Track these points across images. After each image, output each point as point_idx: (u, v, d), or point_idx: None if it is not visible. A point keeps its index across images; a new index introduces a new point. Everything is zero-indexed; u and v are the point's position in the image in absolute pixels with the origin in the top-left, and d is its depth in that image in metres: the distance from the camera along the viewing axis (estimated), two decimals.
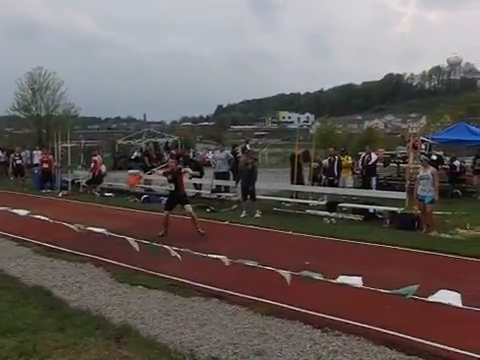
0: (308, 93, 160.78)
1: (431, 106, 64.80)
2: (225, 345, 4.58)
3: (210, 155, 21.63)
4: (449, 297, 4.19)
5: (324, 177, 14.36)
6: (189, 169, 10.81)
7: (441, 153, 18.17)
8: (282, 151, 37.23)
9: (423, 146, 17.17)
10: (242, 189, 12.32)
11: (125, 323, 5.05)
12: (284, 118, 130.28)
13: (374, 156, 15.21)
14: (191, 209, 9.77)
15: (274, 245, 8.96)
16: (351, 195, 13.21)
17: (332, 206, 12.08)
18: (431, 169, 10.13)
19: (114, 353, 4.28)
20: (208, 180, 15.02)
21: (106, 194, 16.56)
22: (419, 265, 7.44)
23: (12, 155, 19.21)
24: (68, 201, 15.28)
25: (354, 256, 8.04)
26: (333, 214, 11.71)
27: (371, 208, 11.52)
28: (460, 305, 4.06)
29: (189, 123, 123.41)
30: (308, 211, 12.34)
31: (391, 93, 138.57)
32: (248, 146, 16.89)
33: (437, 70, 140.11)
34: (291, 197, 13.93)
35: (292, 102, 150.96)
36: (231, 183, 14.38)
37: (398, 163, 18.07)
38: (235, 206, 13.18)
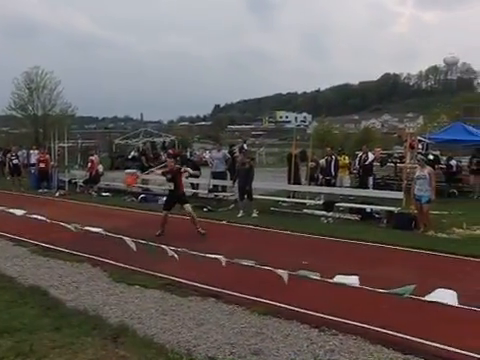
0: (305, 93, 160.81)
1: (428, 106, 64.90)
2: (222, 345, 4.58)
3: (207, 155, 21.62)
4: (446, 296, 4.21)
5: (321, 177, 14.37)
6: (189, 169, 10.78)
7: (438, 153, 18.23)
8: (279, 151, 37.24)
9: (420, 146, 17.17)
10: (239, 189, 12.33)
11: (122, 323, 5.04)
12: (281, 118, 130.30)
13: (371, 156, 15.23)
14: (191, 209, 9.74)
15: (271, 245, 8.96)
16: (348, 195, 13.22)
17: (329, 206, 12.09)
18: (428, 169, 10.15)
19: (111, 353, 4.28)
20: (205, 180, 15.01)
21: (103, 194, 16.54)
22: (416, 265, 7.45)
23: (9, 155, 19.12)
24: (65, 201, 15.24)
25: (351, 256, 8.05)
26: (330, 214, 11.72)
27: (368, 208, 11.54)
28: (457, 304, 4.08)
29: (186, 123, 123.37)
30: (305, 211, 12.35)
31: (388, 93, 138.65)
32: (245, 146, 16.93)
33: (434, 70, 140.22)
34: (288, 197, 13.94)
35: (289, 102, 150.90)
36: (228, 183, 14.40)
37: (395, 163, 18.09)
38: (232, 206, 13.18)
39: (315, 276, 4.61)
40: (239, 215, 11.86)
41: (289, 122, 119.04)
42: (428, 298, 4.18)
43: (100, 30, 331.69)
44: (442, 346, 4.41)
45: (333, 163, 14.11)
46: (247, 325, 5.04)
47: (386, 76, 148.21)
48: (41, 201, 15.02)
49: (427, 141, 17.58)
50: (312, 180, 14.68)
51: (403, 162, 15.69)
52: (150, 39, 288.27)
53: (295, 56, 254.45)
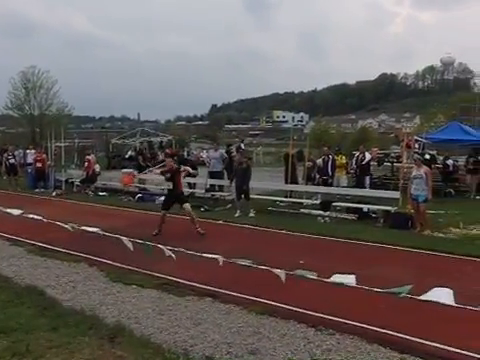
0: (302, 92, 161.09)
1: (424, 106, 65.02)
2: (219, 344, 4.57)
3: (204, 154, 21.62)
4: (443, 295, 4.21)
5: (318, 176, 14.36)
6: (188, 168, 10.75)
7: (434, 152, 18.29)
8: (276, 150, 37.32)
9: (416, 145, 17.25)
10: (236, 188, 12.32)
11: (119, 323, 5.04)
12: (278, 117, 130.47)
13: (368, 155, 15.26)
14: (190, 208, 9.71)
15: (268, 244, 8.96)
16: (345, 194, 13.24)
17: (326, 205, 12.10)
18: (424, 168, 10.17)
19: (108, 353, 4.27)
20: (202, 179, 15.01)
21: (100, 193, 16.50)
22: (413, 264, 7.46)
23: (5, 154, 19.06)
24: (62, 200, 15.20)
25: (348, 255, 8.06)
26: (327, 213, 11.74)
27: (365, 207, 11.56)
28: (454, 304, 4.08)
29: (183, 122, 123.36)
30: (302, 210, 12.36)
31: (385, 93, 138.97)
32: (242, 145, 16.91)
33: (431, 70, 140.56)
34: (285, 196, 13.95)
35: (286, 101, 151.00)
36: (225, 182, 14.39)
37: (392, 162, 18.15)
38: (229, 205, 13.18)
39: (312, 276, 4.61)
40: (236, 215, 11.86)
41: (286, 122, 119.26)
42: (425, 297, 4.18)
43: (97, 30, 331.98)
44: (439, 345, 4.42)
45: (330, 163, 14.11)
46: (244, 324, 5.04)
47: (383, 76, 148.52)
48: (38, 201, 14.98)
49: (424, 141, 17.64)
50: (309, 180, 14.69)
51: (400, 162, 15.76)
52: (147, 39, 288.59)
53: (292, 56, 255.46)
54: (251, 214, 11.88)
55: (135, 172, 17.56)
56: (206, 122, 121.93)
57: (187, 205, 9.66)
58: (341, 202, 12.36)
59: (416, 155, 12.37)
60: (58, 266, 7.38)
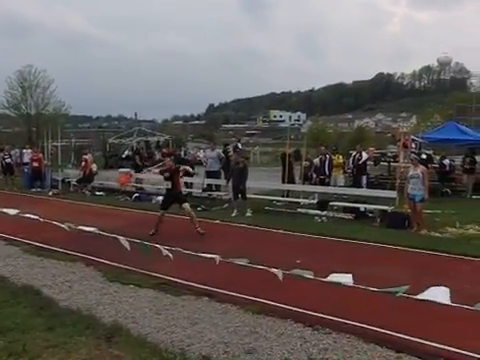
0: (299, 92, 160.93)
1: (421, 105, 65.07)
2: (216, 344, 4.57)
3: (201, 154, 21.58)
4: (439, 295, 4.24)
5: (315, 176, 14.39)
6: (188, 167, 10.72)
7: (431, 152, 18.37)
8: (273, 150, 37.31)
9: (413, 145, 17.26)
10: (233, 188, 12.32)
11: (116, 322, 5.03)
12: (275, 117, 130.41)
13: (365, 155, 15.26)
14: (190, 208, 9.67)
15: (265, 244, 8.97)
16: (342, 194, 13.25)
17: (323, 205, 12.11)
18: (421, 168, 10.19)
19: (105, 352, 4.26)
20: (199, 179, 15.00)
21: (97, 193, 16.47)
22: (409, 263, 7.48)
23: (1, 154, 18.98)
24: (58, 200, 15.17)
25: (345, 254, 8.07)
26: (324, 213, 11.75)
27: (362, 207, 11.58)
28: (450, 303, 4.10)
29: (180, 122, 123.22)
30: (299, 210, 12.37)
31: (382, 92, 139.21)
32: (239, 145, 16.89)
33: (427, 70, 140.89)
34: (282, 196, 13.96)
35: (283, 101, 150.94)
36: (222, 182, 14.39)
37: (388, 162, 18.18)
38: (226, 205, 13.18)
39: (309, 275, 4.62)
40: (233, 214, 11.86)
41: (283, 121, 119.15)
42: (421, 296, 4.20)
43: (94, 29, 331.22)
44: (436, 344, 4.42)
45: (327, 162, 14.13)
46: (241, 324, 5.04)
47: (380, 75, 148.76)
48: (34, 200, 14.94)
49: (420, 140, 17.67)
50: (306, 179, 14.71)
51: (396, 161, 15.78)
52: (144, 38, 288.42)
53: (289, 55, 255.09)
54: (248, 214, 11.88)
55: (132, 172, 17.53)
56: (203, 122, 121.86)
57: (186, 205, 9.63)
58: (338, 202, 12.36)
59: (413, 155, 12.37)
60: (55, 266, 7.36)
